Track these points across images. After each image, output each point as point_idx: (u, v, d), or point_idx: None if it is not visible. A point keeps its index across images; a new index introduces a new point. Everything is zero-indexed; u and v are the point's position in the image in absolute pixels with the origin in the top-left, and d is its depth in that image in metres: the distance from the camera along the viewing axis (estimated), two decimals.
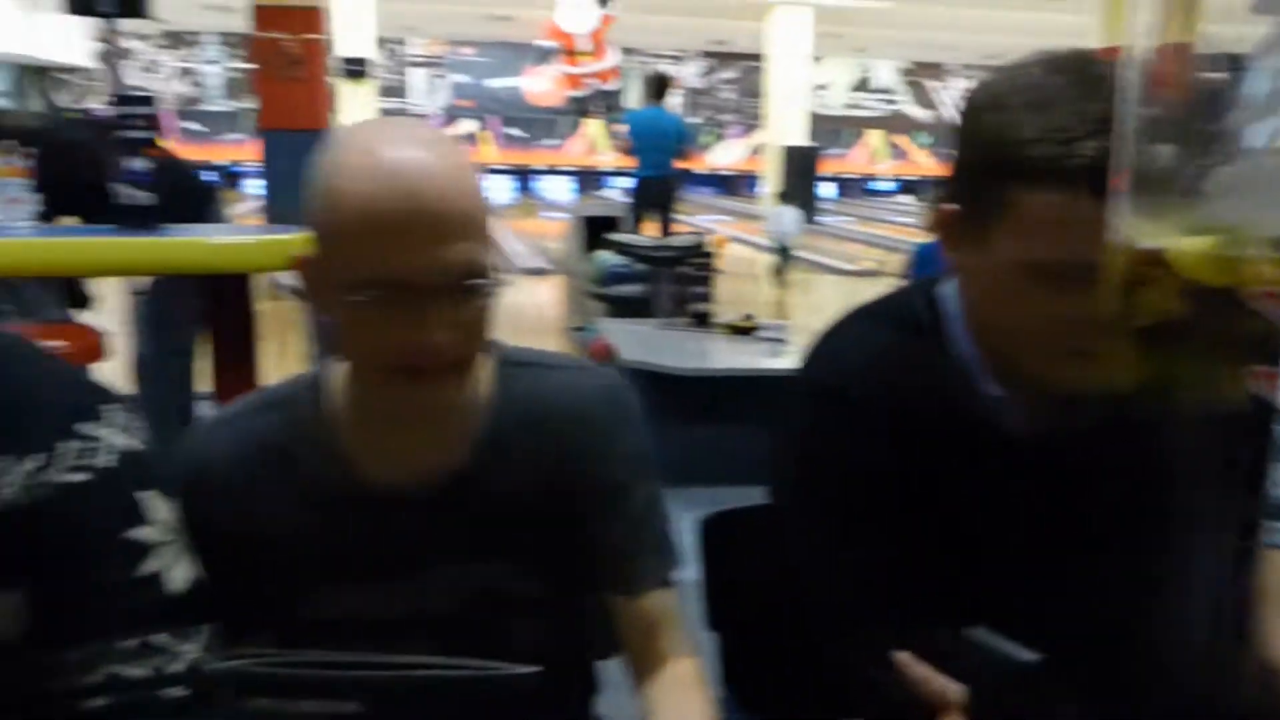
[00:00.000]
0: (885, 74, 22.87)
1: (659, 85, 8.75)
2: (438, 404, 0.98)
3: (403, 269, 0.88)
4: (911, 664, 0.86)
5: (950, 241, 1.00)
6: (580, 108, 14.30)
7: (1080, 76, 0.89)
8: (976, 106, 0.95)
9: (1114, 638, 0.82)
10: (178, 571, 0.91)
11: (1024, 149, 0.87)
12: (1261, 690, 1.14)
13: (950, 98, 22.41)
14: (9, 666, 0.87)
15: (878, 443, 1.00)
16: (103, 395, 0.93)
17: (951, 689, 0.86)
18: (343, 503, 1.02)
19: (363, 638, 1.02)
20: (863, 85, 22.88)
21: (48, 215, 3.21)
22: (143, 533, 0.89)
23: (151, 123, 2.89)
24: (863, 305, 1.12)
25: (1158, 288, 0.54)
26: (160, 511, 0.91)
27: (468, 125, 20.44)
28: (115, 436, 0.90)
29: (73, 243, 3.00)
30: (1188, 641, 0.65)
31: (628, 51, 20.64)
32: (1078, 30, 8.74)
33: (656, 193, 8.11)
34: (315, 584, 1.02)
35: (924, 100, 22.92)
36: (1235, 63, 0.60)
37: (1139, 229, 0.56)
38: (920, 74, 22.82)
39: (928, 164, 22.16)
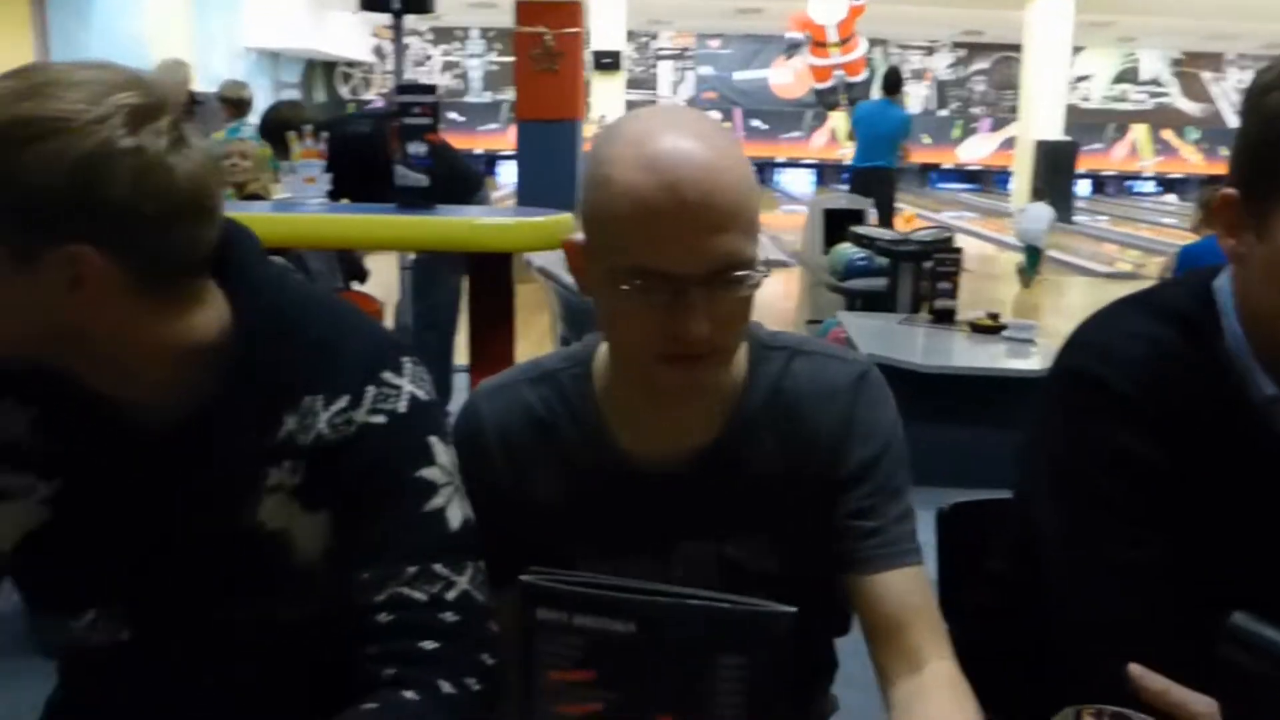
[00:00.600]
0: (1153, 64, 21.36)
1: (892, 79, 8.90)
2: (697, 389, 1.01)
3: (669, 261, 0.91)
4: (1148, 675, 0.82)
5: (1229, 229, 0.96)
6: (825, 100, 14.12)
7: None
8: (1262, 86, 0.92)
9: None
10: (455, 510, 1.00)
11: None
12: None
13: (1225, 90, 20.70)
14: (313, 580, 0.99)
15: (1141, 438, 0.97)
16: (401, 348, 1.04)
17: (1198, 701, 0.82)
18: (600, 476, 1.08)
19: None
20: (1127, 76, 21.47)
21: (335, 195, 3.51)
22: (430, 473, 0.99)
23: (431, 111, 3.10)
24: (1132, 295, 1.09)
25: None
26: (444, 456, 1.01)
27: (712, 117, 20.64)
28: (410, 385, 1.01)
29: (358, 219, 3.27)
30: None
31: (877, 43, 20.24)
32: None
33: (873, 183, 8.09)
34: (570, 553, 1.07)
35: (1195, 93, 21.26)
36: None
37: None
38: (1192, 64, 21.17)
39: (1196, 161, 20.57)
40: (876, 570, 1.03)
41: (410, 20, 4.07)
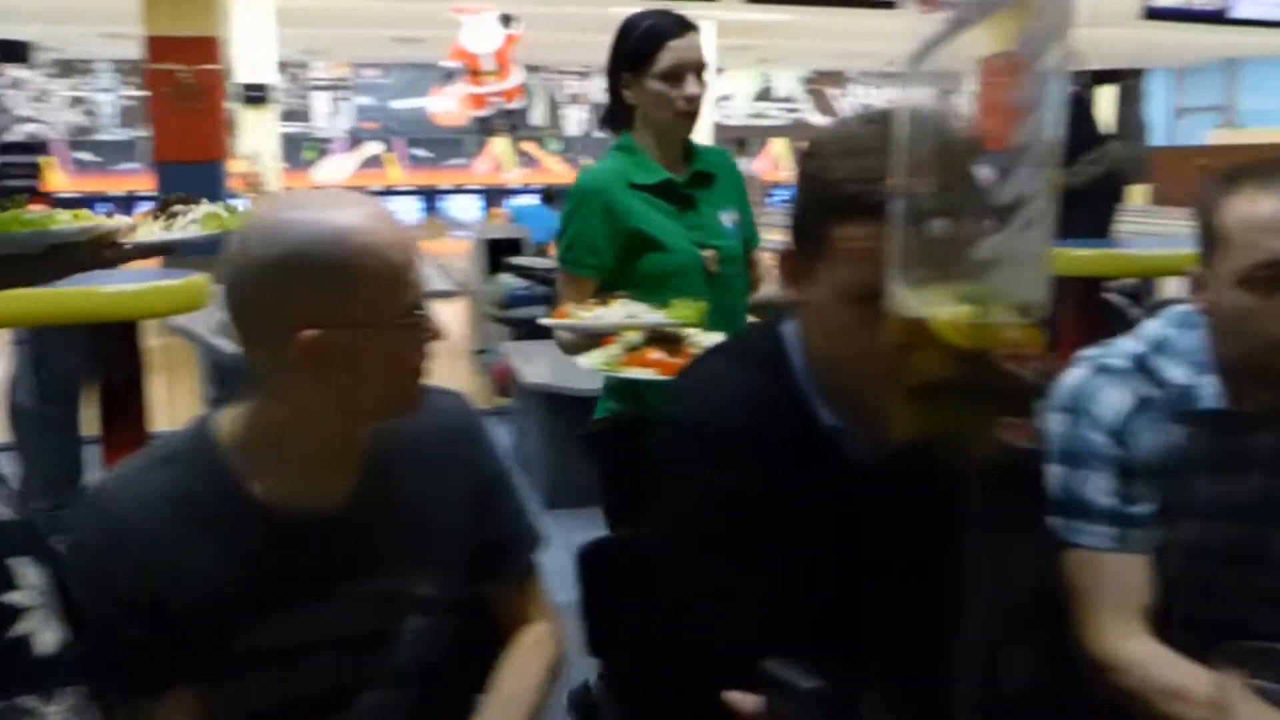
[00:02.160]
0: (788, 83, 23.26)
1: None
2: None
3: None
4: (740, 699, 0.89)
5: (790, 280, 1.09)
6: (485, 127, 14.28)
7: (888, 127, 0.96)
8: (808, 153, 1.04)
9: (923, 654, 0.87)
10: (47, 634, 0.92)
11: (834, 189, 0.99)
12: (1092, 683, 1.23)
13: (850, 105, 22.89)
14: None
15: (731, 476, 1.06)
16: None
17: None
18: (245, 534, 1.07)
19: (285, 664, 1.08)
20: (765, 95, 23.25)
21: None
22: (10, 598, 0.90)
23: (33, 172, 2.78)
24: (721, 344, 1.19)
25: (925, 353, 0.60)
26: (29, 576, 0.93)
27: (373, 147, 20.24)
28: None
29: None
30: (981, 652, 0.71)
31: (533, 69, 20.67)
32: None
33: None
34: (239, 619, 1.07)
35: (825, 108, 23.37)
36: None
37: (911, 298, 0.62)
38: (820, 83, 23.27)
39: None
40: (517, 580, 1.26)
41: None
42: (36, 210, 1.57)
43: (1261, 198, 1.20)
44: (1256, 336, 1.20)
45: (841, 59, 21.01)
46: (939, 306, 0.60)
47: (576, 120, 22.25)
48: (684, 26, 2.13)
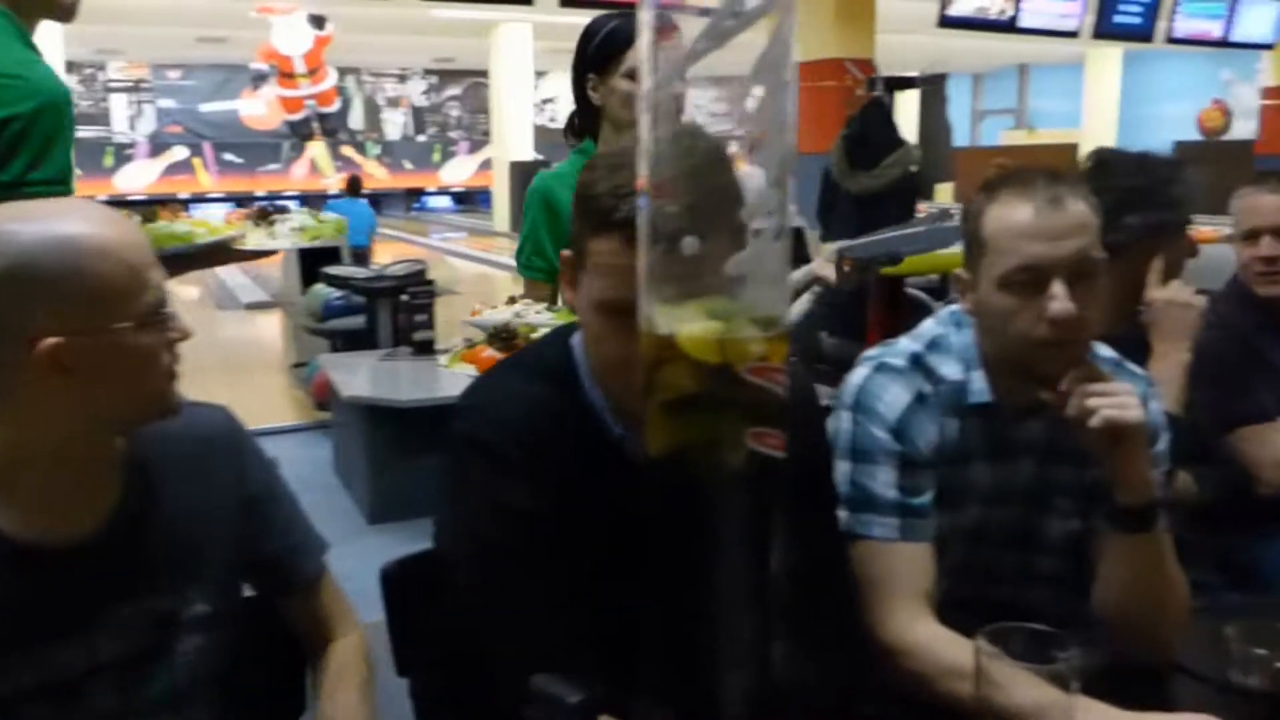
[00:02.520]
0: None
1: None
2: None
3: None
4: None
5: (568, 284, 1.12)
6: (301, 131, 13.84)
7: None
8: (584, 168, 1.05)
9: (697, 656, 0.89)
10: None
11: (594, 201, 1.02)
12: (883, 669, 1.29)
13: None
14: None
15: (526, 492, 1.06)
16: None
17: None
18: (3, 573, 1.02)
19: (55, 699, 1.04)
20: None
21: None
22: None
23: None
24: (510, 358, 1.19)
25: (673, 368, 0.61)
26: None
27: (179, 152, 19.33)
28: None
29: None
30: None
31: (349, 71, 20.16)
32: None
33: None
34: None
35: None
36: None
37: (660, 315, 0.63)
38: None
39: None
40: (298, 591, 1.23)
41: None
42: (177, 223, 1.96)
43: (1018, 205, 1.28)
44: (1016, 335, 1.28)
45: None
46: (686, 323, 0.61)
47: (397, 124, 21.81)
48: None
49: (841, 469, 1.35)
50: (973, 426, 1.36)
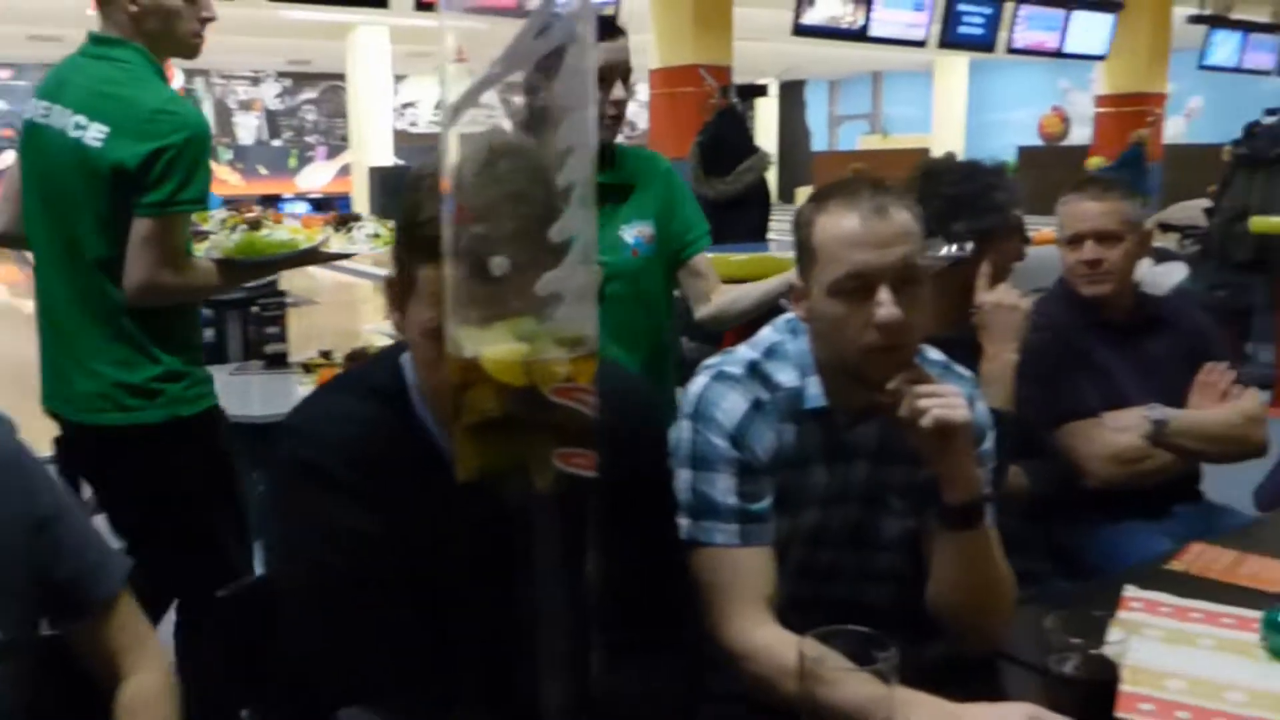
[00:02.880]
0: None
1: None
2: None
3: None
4: None
5: (393, 305, 1.10)
6: None
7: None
8: (404, 188, 1.03)
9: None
10: None
11: (420, 228, 1.00)
12: (729, 672, 1.32)
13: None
14: None
15: (358, 514, 1.04)
16: None
17: None
18: None
19: None
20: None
21: None
22: None
23: None
24: (337, 378, 1.17)
25: (479, 391, 0.61)
26: None
27: (11, 156, 18.29)
28: None
29: None
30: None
31: (198, 73, 19.43)
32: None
33: None
34: None
35: (514, 114, 23.50)
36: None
37: (466, 338, 0.63)
38: (505, 90, 23.38)
39: None
40: (89, 618, 1.17)
41: None
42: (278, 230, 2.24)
43: (845, 214, 1.32)
44: (847, 341, 1.32)
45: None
46: (492, 345, 0.61)
47: (250, 128, 21.12)
48: (608, 29, 2.01)
49: (682, 477, 1.37)
50: (809, 431, 1.40)
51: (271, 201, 21.17)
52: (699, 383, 1.41)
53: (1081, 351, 2.16)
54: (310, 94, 21.50)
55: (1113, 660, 1.10)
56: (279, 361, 4.15)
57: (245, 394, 3.95)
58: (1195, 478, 2.24)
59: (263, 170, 21.05)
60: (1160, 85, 11.66)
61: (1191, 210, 7.88)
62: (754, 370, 1.40)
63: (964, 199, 1.88)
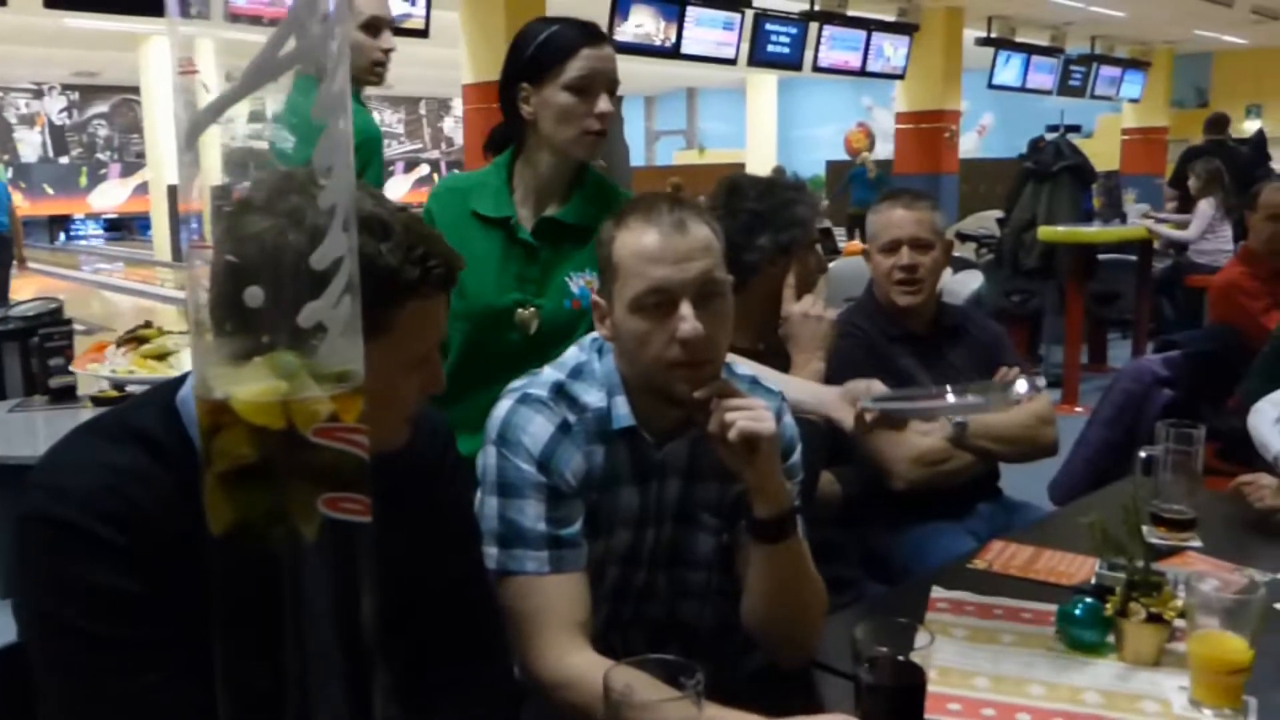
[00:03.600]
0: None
1: None
2: None
3: None
4: None
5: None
6: None
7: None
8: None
9: None
10: None
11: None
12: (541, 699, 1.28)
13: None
14: None
15: (116, 572, 0.94)
16: None
17: None
18: None
19: None
20: (259, 116, 22.24)
21: None
22: None
23: None
24: (89, 422, 1.06)
25: (229, 435, 0.55)
26: None
27: None
28: None
29: None
30: None
31: None
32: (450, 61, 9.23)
33: None
34: None
35: None
36: None
37: (216, 377, 0.57)
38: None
39: None
40: None
41: None
42: None
43: (645, 231, 1.31)
44: (651, 357, 1.31)
45: None
46: (245, 384, 0.56)
47: (33, 144, 19.77)
48: (597, 36, 1.88)
49: (490, 505, 1.33)
50: (618, 452, 1.38)
51: (61, 223, 19.91)
52: (504, 407, 1.37)
53: (886, 358, 2.23)
54: (101, 108, 20.28)
55: (919, 665, 1.13)
56: (67, 395, 3.87)
57: (29, 433, 3.67)
58: (995, 476, 2.34)
59: (49, 189, 19.73)
60: (954, 103, 12.33)
61: (985, 220, 8.37)
62: (560, 392, 1.37)
63: (766, 214, 1.92)
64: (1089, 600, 1.44)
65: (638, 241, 1.31)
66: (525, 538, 1.31)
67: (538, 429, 1.34)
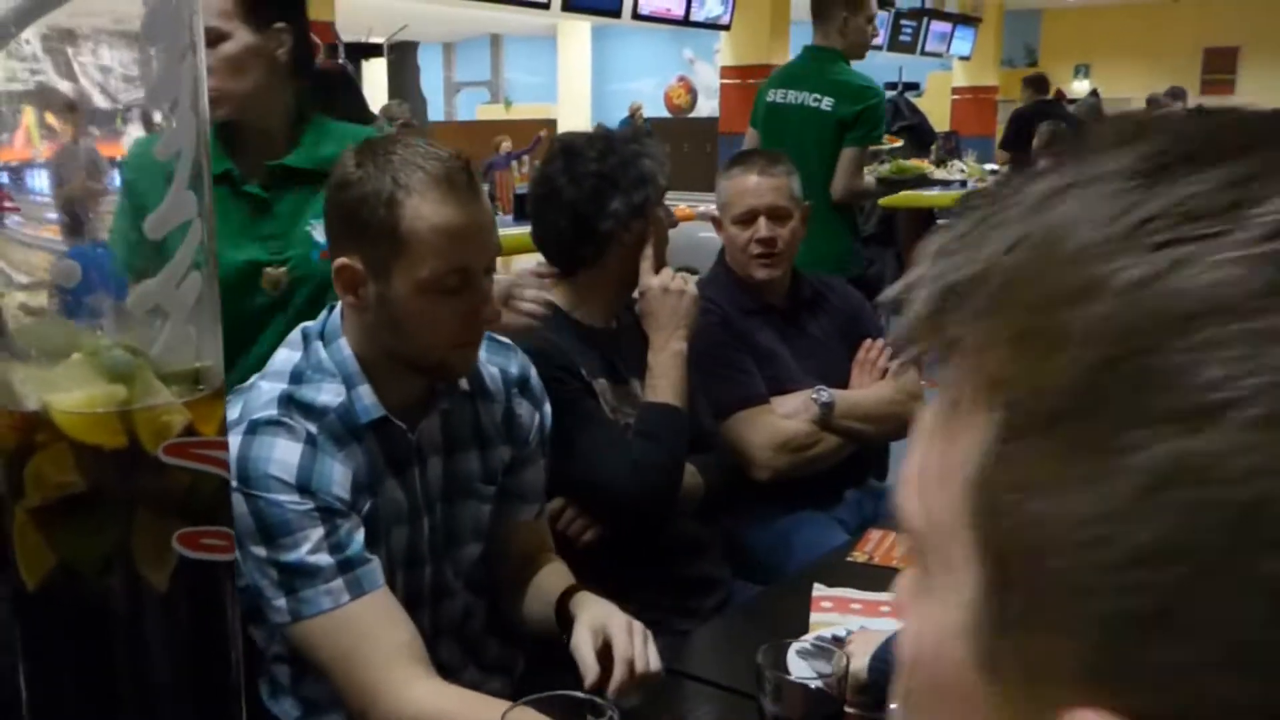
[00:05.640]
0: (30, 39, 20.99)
1: None
2: None
3: None
4: None
5: None
6: None
7: None
8: None
9: None
10: None
11: None
12: None
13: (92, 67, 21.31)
14: None
15: None
16: None
17: None
18: None
19: None
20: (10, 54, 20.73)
21: None
22: None
23: None
24: None
25: (48, 458, 0.46)
26: None
27: None
28: None
29: None
30: None
31: None
32: None
33: None
34: None
35: (67, 71, 21.47)
36: None
37: (27, 379, 0.48)
38: (60, 41, 21.33)
39: None
40: None
41: None
42: None
43: (444, 204, 1.27)
44: (441, 337, 1.33)
45: (76, 15, 19.44)
46: (67, 389, 0.46)
47: None
48: None
49: (257, 556, 1.24)
50: (373, 446, 1.34)
51: None
52: (236, 444, 1.26)
53: (744, 335, 2.21)
54: None
55: (831, 694, 1.11)
56: None
57: None
58: (863, 461, 2.37)
59: None
60: (783, 56, 12.57)
61: None
62: (290, 403, 1.30)
63: (612, 174, 1.83)
64: None
65: (438, 214, 1.26)
66: (310, 575, 1.23)
67: (283, 453, 1.26)
